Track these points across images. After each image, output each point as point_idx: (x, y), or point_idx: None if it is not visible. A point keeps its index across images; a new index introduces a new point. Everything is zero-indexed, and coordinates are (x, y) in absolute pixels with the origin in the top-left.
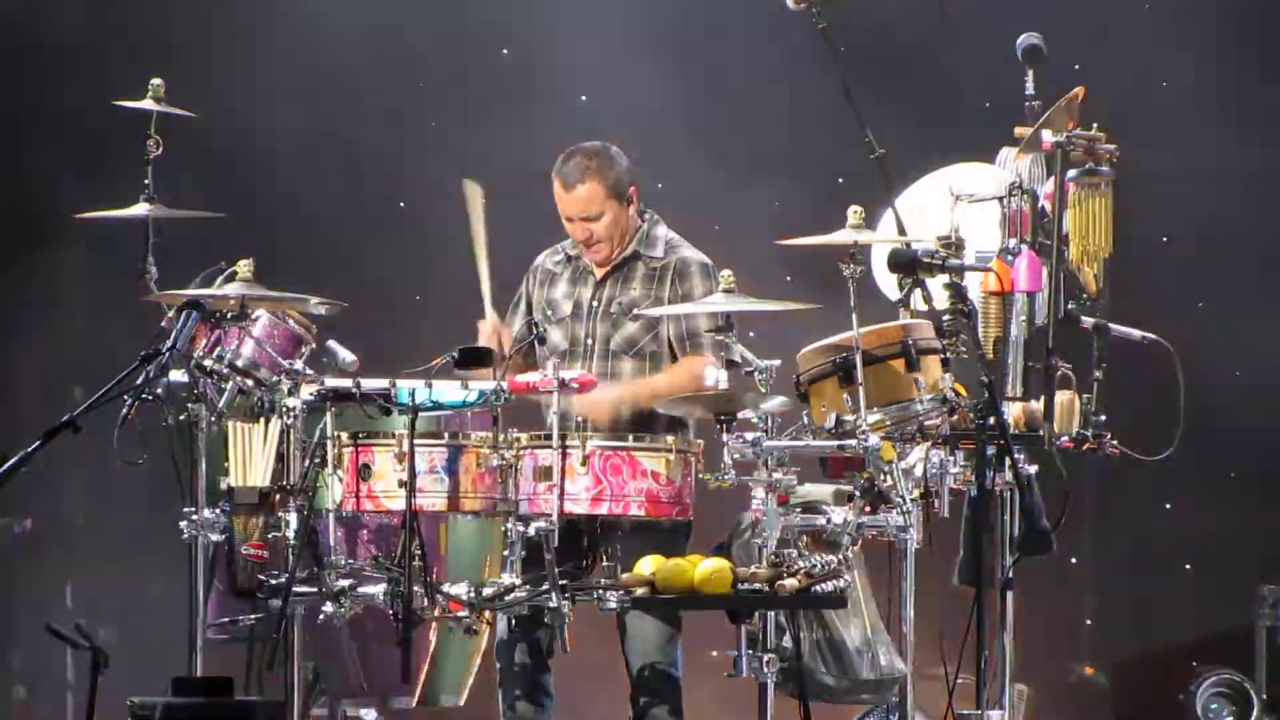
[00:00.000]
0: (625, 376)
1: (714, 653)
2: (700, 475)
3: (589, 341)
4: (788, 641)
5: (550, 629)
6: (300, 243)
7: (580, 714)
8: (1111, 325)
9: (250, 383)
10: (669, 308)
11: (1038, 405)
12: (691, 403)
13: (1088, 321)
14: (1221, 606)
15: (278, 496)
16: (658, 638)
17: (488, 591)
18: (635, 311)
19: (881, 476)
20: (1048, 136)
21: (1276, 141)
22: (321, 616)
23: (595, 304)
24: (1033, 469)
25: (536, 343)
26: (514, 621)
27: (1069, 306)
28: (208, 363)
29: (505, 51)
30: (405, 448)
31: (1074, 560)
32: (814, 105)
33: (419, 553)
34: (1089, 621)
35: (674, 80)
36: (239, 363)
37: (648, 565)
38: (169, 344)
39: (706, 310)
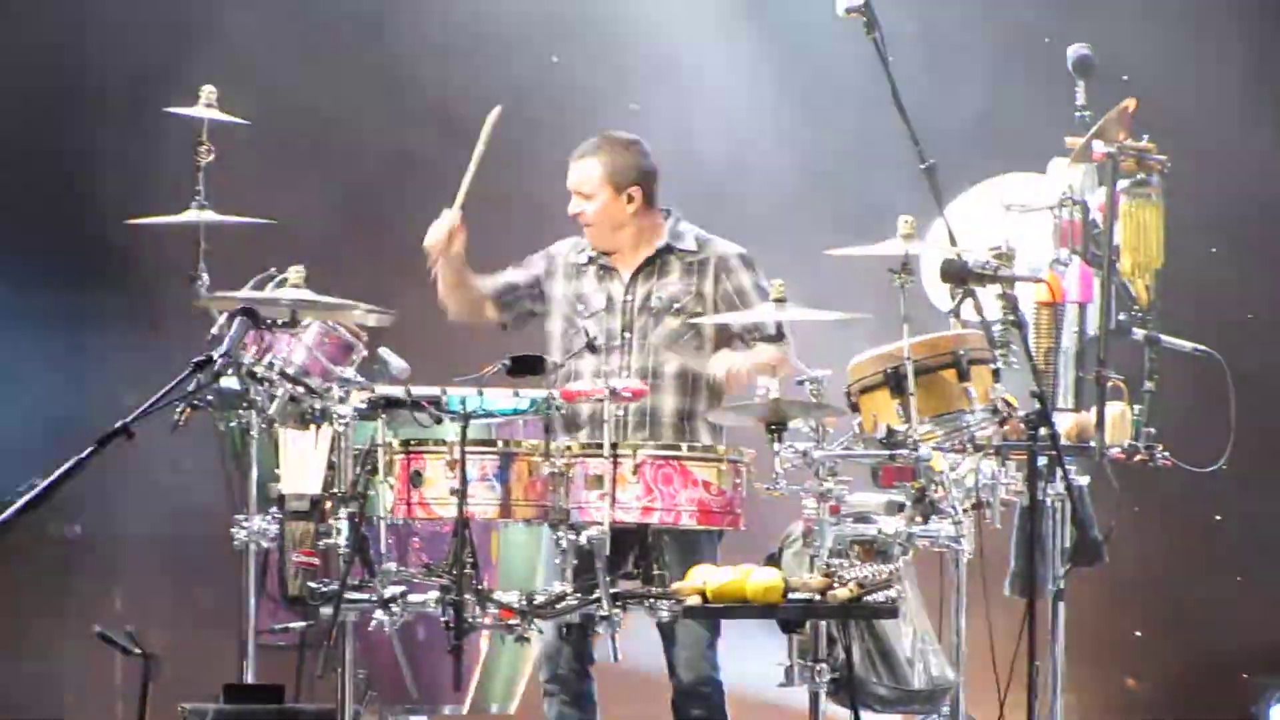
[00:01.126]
0: (667, 372)
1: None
2: (752, 484)
3: (627, 335)
4: (839, 652)
5: (593, 637)
6: (352, 250)
7: None
8: (1162, 336)
9: (301, 390)
10: (728, 315)
11: (1089, 416)
12: (744, 412)
13: (1139, 333)
14: (1273, 618)
15: (329, 504)
16: (702, 643)
17: (539, 599)
18: (695, 318)
19: (933, 487)
20: (1099, 147)
21: None
22: (373, 624)
23: (629, 298)
24: (1084, 480)
25: (589, 351)
26: (565, 630)
27: (1120, 318)
28: (258, 369)
29: (555, 59)
30: (457, 455)
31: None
32: (866, 114)
33: (470, 560)
34: (1138, 633)
35: (726, 86)
36: (290, 370)
37: (700, 575)
38: (221, 350)
39: (760, 318)
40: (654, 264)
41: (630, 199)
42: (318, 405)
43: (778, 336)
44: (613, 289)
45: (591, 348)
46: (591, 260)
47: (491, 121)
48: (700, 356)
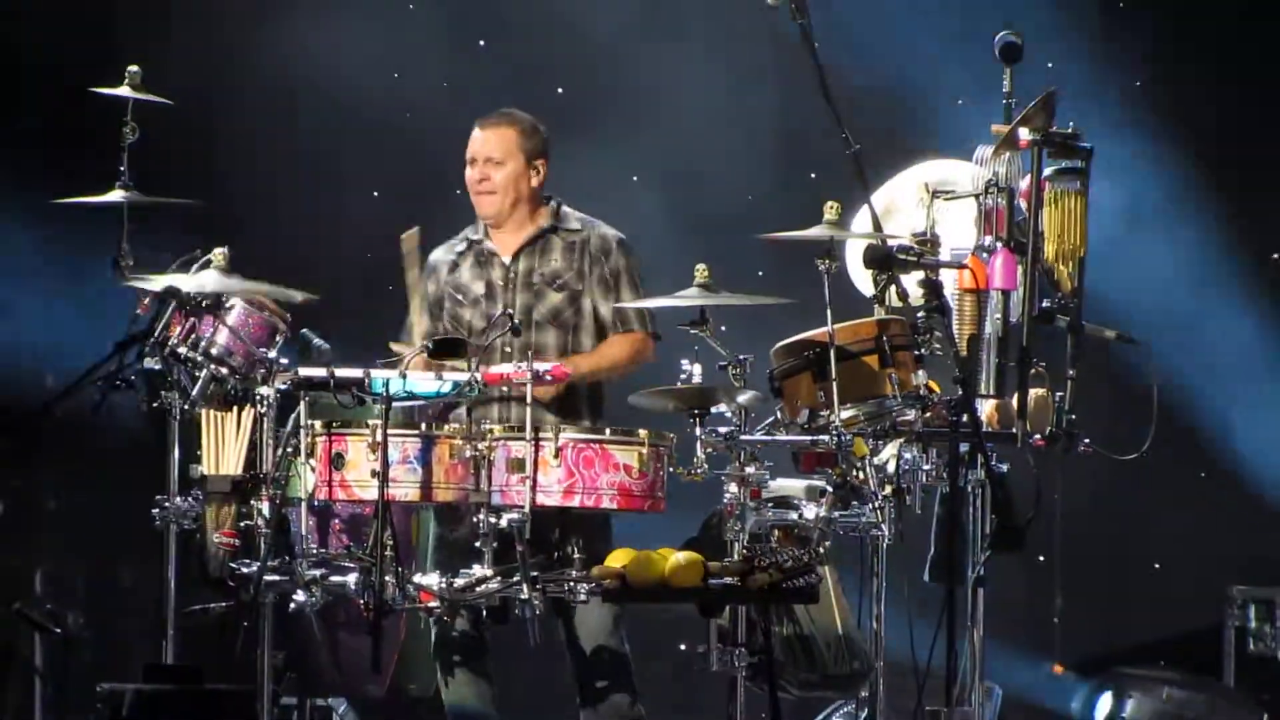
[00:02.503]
0: (549, 347)
1: (683, 646)
2: (673, 469)
3: (510, 313)
4: (759, 636)
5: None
6: (276, 231)
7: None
8: (1085, 324)
9: (224, 371)
10: (642, 301)
11: (1011, 403)
12: (666, 396)
13: (1062, 320)
14: (1190, 606)
15: (250, 485)
16: (606, 618)
17: (459, 582)
18: (576, 295)
19: (854, 472)
20: (1024, 134)
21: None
22: (292, 605)
23: (512, 276)
24: (1005, 467)
25: (511, 334)
26: (485, 614)
27: (1043, 304)
28: (182, 350)
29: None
30: (378, 438)
31: (1041, 558)
32: (793, 101)
33: (390, 543)
34: (1056, 620)
35: (653, 72)
36: (213, 351)
37: (619, 558)
38: (144, 329)
39: (682, 304)
40: (536, 243)
41: (536, 172)
42: (240, 386)
43: (641, 326)
44: (492, 274)
45: (514, 331)
46: (471, 246)
47: (412, 246)
48: (577, 331)
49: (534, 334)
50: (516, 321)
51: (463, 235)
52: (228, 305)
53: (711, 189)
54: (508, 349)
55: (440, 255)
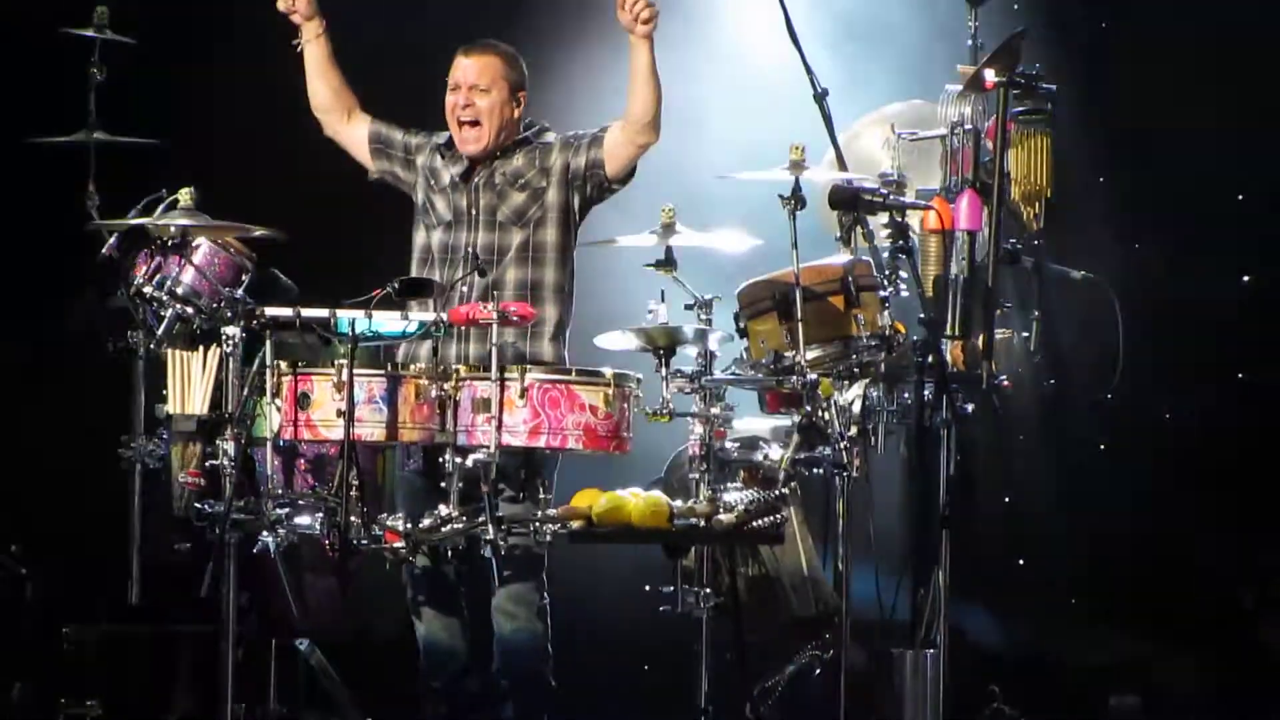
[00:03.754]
0: (513, 247)
1: (647, 587)
2: (638, 409)
3: (473, 213)
4: (724, 577)
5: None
6: (244, 171)
7: None
8: (1050, 264)
9: (190, 310)
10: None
11: (977, 344)
12: (631, 336)
13: (1027, 261)
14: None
15: (216, 425)
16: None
17: (425, 523)
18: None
19: (819, 413)
20: (990, 76)
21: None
22: (258, 546)
23: (477, 179)
24: (969, 407)
25: (477, 275)
26: (449, 554)
27: (1009, 245)
28: (147, 290)
29: None
30: (344, 377)
31: (1007, 499)
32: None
33: (356, 483)
34: (1021, 562)
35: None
36: (179, 290)
37: (584, 500)
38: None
39: (646, 245)
40: (504, 149)
41: (518, 103)
42: (206, 326)
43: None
44: (459, 201)
45: (480, 271)
46: (449, 142)
47: None
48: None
49: (498, 234)
50: (481, 261)
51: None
52: (194, 245)
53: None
54: (470, 248)
55: (429, 158)
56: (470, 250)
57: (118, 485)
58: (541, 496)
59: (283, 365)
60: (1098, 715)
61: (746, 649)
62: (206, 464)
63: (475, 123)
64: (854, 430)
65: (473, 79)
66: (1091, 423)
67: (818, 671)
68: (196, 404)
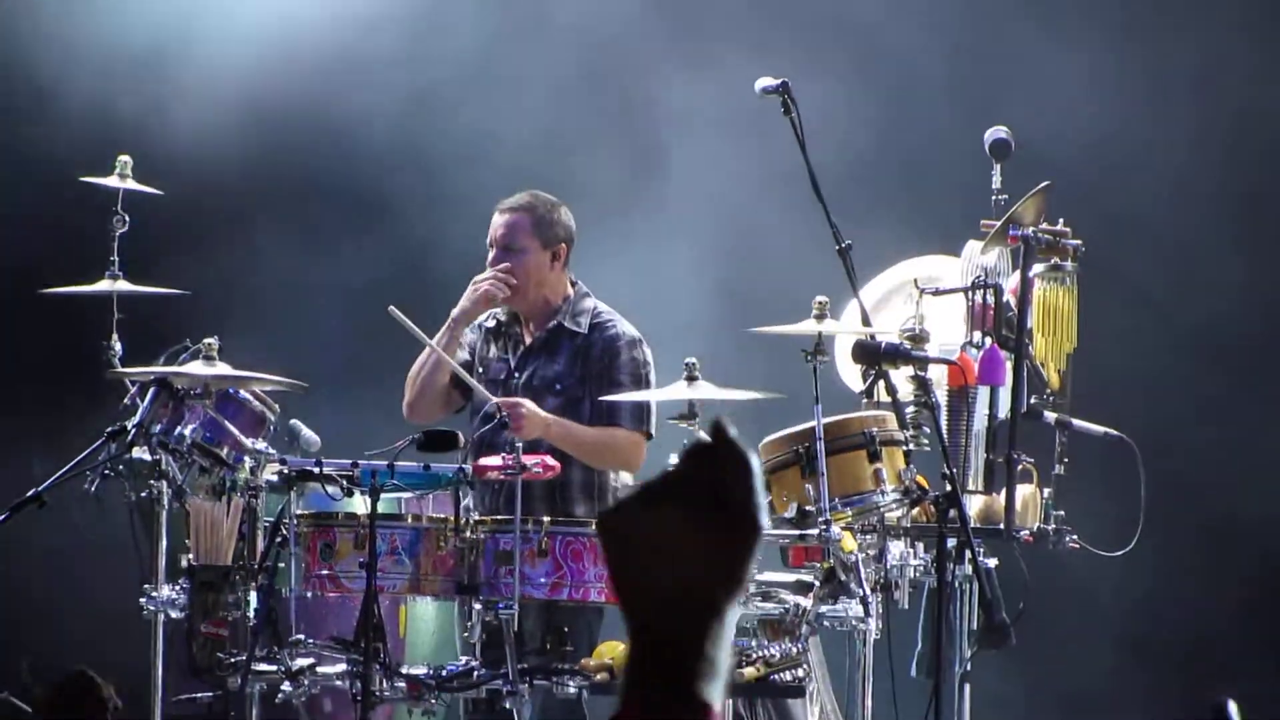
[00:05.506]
0: (546, 408)
1: None
2: None
3: (498, 405)
4: None
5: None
6: (264, 323)
7: None
8: (1074, 420)
9: (211, 461)
10: (627, 394)
11: (999, 499)
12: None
13: (1050, 416)
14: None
15: (238, 575)
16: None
17: (446, 674)
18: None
19: (841, 568)
20: (1014, 230)
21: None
22: (280, 696)
23: (518, 375)
24: (993, 562)
25: (501, 427)
26: (471, 706)
27: (1031, 401)
28: (169, 440)
29: None
30: (366, 529)
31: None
32: (782, 193)
33: (378, 633)
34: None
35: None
36: (201, 440)
37: (608, 651)
38: (134, 420)
39: (672, 398)
40: (548, 343)
41: (555, 257)
42: (229, 477)
43: (633, 425)
44: (511, 360)
45: (502, 424)
46: (499, 326)
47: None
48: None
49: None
50: (504, 415)
51: (496, 314)
52: (215, 394)
53: (698, 280)
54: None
55: (484, 320)
56: (500, 414)
57: (138, 634)
58: (566, 649)
59: (305, 516)
60: None
61: None
62: (228, 614)
63: (514, 284)
64: (876, 584)
65: (501, 237)
66: (1113, 581)
67: None
68: (219, 554)
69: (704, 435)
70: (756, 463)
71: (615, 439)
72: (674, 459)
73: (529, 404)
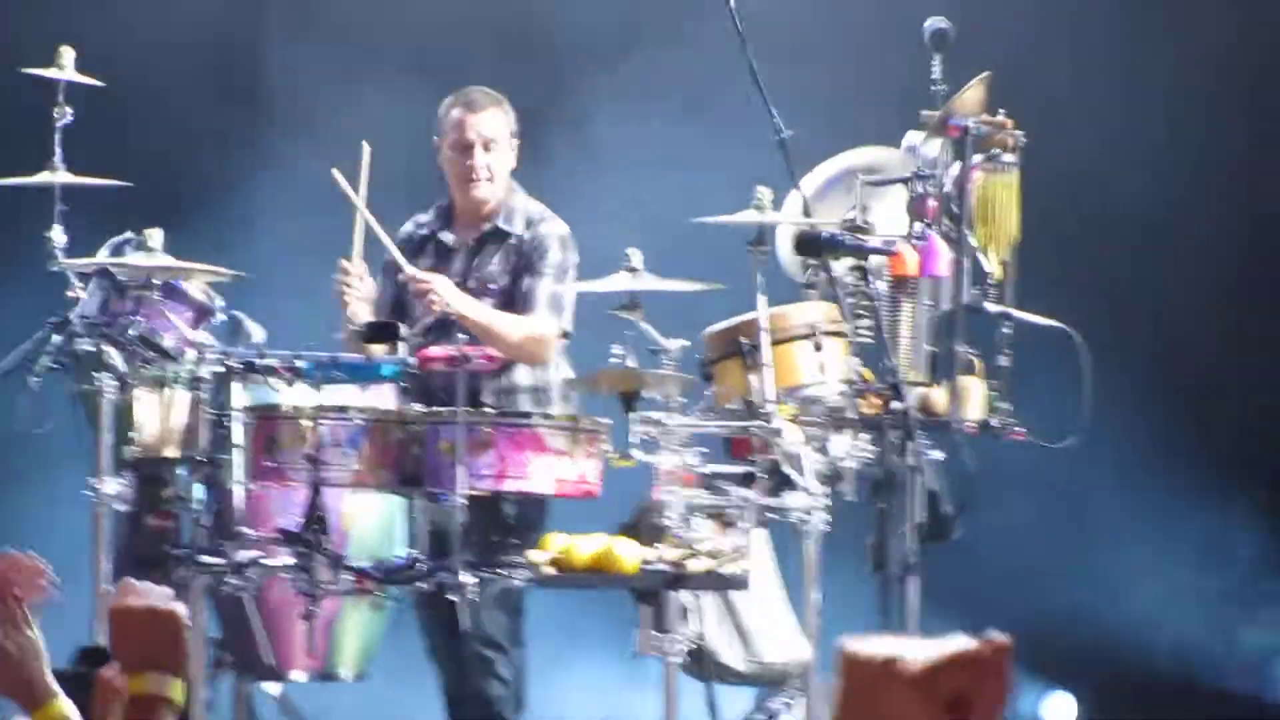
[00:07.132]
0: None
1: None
2: (605, 454)
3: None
4: (694, 623)
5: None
6: (209, 213)
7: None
8: (1015, 311)
9: (154, 354)
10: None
11: (942, 391)
12: (597, 382)
13: (992, 308)
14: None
15: (183, 467)
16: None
17: (390, 566)
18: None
19: (785, 460)
20: (954, 121)
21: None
22: (225, 589)
23: (456, 280)
24: (937, 454)
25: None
26: (420, 599)
27: (974, 292)
28: (113, 332)
29: None
30: (310, 421)
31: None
32: (724, 86)
33: (323, 525)
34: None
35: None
36: (144, 333)
37: (554, 543)
38: (77, 311)
39: (611, 289)
40: (484, 245)
41: (514, 153)
42: (172, 369)
43: (548, 316)
44: (441, 268)
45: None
46: (431, 237)
47: (365, 162)
48: None
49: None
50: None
51: (420, 221)
52: (159, 286)
53: (645, 174)
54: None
55: (411, 232)
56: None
57: (82, 526)
58: (511, 541)
59: (249, 409)
60: None
61: (715, 696)
62: (173, 507)
63: (490, 180)
64: (821, 477)
65: (487, 134)
66: (1058, 472)
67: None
68: (164, 446)
69: None
70: None
71: (526, 327)
72: (615, 350)
73: (440, 278)
